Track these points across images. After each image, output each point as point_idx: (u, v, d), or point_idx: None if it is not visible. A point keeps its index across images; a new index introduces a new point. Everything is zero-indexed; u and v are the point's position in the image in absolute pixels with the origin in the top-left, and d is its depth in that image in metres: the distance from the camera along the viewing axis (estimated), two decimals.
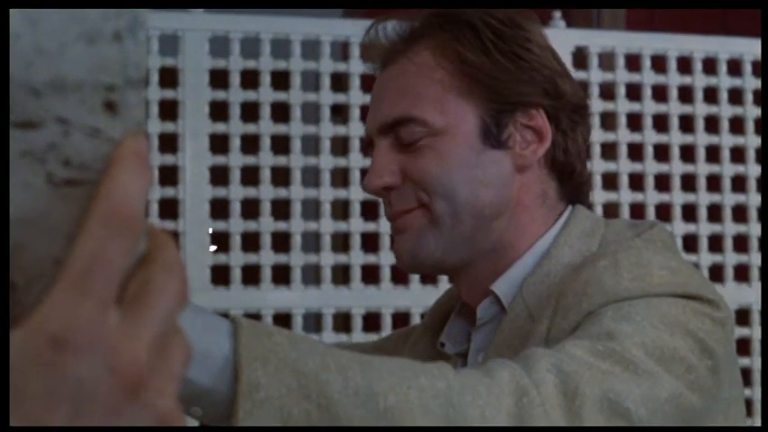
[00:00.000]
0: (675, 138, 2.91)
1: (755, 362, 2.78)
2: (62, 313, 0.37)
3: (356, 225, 2.66)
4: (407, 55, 1.11)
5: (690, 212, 2.89)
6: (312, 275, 2.64)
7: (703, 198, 2.89)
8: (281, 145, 2.62)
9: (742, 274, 2.87)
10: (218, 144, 2.55)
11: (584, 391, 0.85)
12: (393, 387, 0.78)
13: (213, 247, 2.50)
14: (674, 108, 2.92)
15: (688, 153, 2.91)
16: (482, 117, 1.07)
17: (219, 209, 2.52)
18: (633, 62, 2.92)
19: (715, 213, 2.91)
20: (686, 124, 2.93)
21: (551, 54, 1.10)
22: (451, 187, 1.07)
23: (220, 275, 2.50)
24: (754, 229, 2.89)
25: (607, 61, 2.94)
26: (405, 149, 1.09)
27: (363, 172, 2.91)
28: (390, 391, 0.77)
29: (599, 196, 2.79)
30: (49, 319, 0.37)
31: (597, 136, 2.81)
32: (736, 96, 2.96)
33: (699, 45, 2.95)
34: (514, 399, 0.83)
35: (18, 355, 0.37)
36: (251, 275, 2.53)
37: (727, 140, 2.93)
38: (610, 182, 2.80)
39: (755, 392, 2.72)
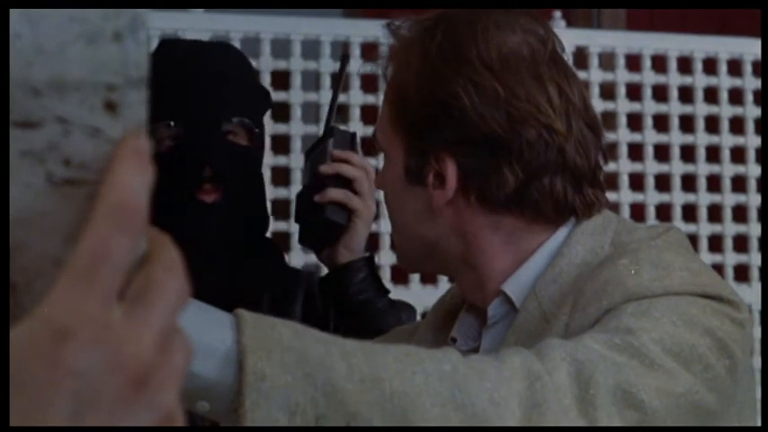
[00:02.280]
0: (675, 138, 2.91)
1: (755, 362, 2.78)
2: (66, 305, 0.37)
3: None
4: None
5: (690, 213, 2.89)
6: None
7: (703, 198, 2.89)
8: (281, 145, 2.62)
9: (742, 274, 2.87)
10: None
11: (599, 380, 0.85)
12: (398, 372, 0.78)
13: None
14: (675, 108, 2.92)
15: (688, 153, 2.91)
16: (407, 153, 1.10)
17: None
18: (633, 62, 2.92)
19: (715, 213, 2.91)
20: (686, 124, 2.93)
21: (488, 88, 1.03)
22: (391, 215, 1.15)
23: None
24: (754, 229, 2.89)
25: (607, 61, 2.94)
26: None
27: None
28: (396, 376, 0.77)
29: None
30: (53, 311, 0.37)
31: None
32: (736, 96, 2.96)
33: (699, 45, 2.95)
34: (527, 383, 0.82)
35: (21, 346, 0.37)
36: None
37: (727, 140, 2.93)
38: (610, 182, 2.80)
39: (755, 392, 2.72)
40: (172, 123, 1.42)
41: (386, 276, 2.64)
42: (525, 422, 0.81)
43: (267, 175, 2.56)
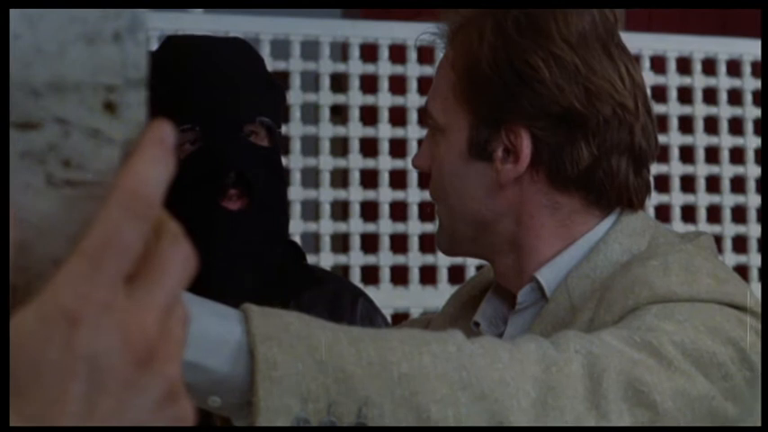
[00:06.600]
0: (675, 138, 2.91)
1: None
2: (75, 288, 0.38)
3: (356, 226, 2.66)
4: (448, 46, 1.12)
5: (689, 213, 2.89)
6: None
7: (702, 199, 2.89)
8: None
9: (742, 275, 2.87)
10: None
11: (612, 375, 0.85)
12: (405, 355, 0.78)
13: None
14: (674, 109, 2.92)
15: (687, 154, 2.91)
16: (472, 127, 1.08)
17: None
18: None
19: (714, 214, 2.91)
20: (685, 125, 2.93)
21: (569, 62, 1.05)
22: (444, 194, 1.11)
23: None
24: (754, 230, 2.88)
25: None
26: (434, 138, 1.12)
27: (363, 172, 2.91)
28: (403, 359, 0.78)
29: None
30: (63, 293, 0.38)
31: None
32: (735, 97, 2.96)
33: (698, 46, 2.95)
34: (542, 366, 0.83)
35: (32, 328, 0.38)
36: None
37: (726, 141, 2.93)
38: None
39: None
40: (190, 127, 1.33)
41: (385, 278, 2.63)
42: (540, 404, 0.81)
43: None
